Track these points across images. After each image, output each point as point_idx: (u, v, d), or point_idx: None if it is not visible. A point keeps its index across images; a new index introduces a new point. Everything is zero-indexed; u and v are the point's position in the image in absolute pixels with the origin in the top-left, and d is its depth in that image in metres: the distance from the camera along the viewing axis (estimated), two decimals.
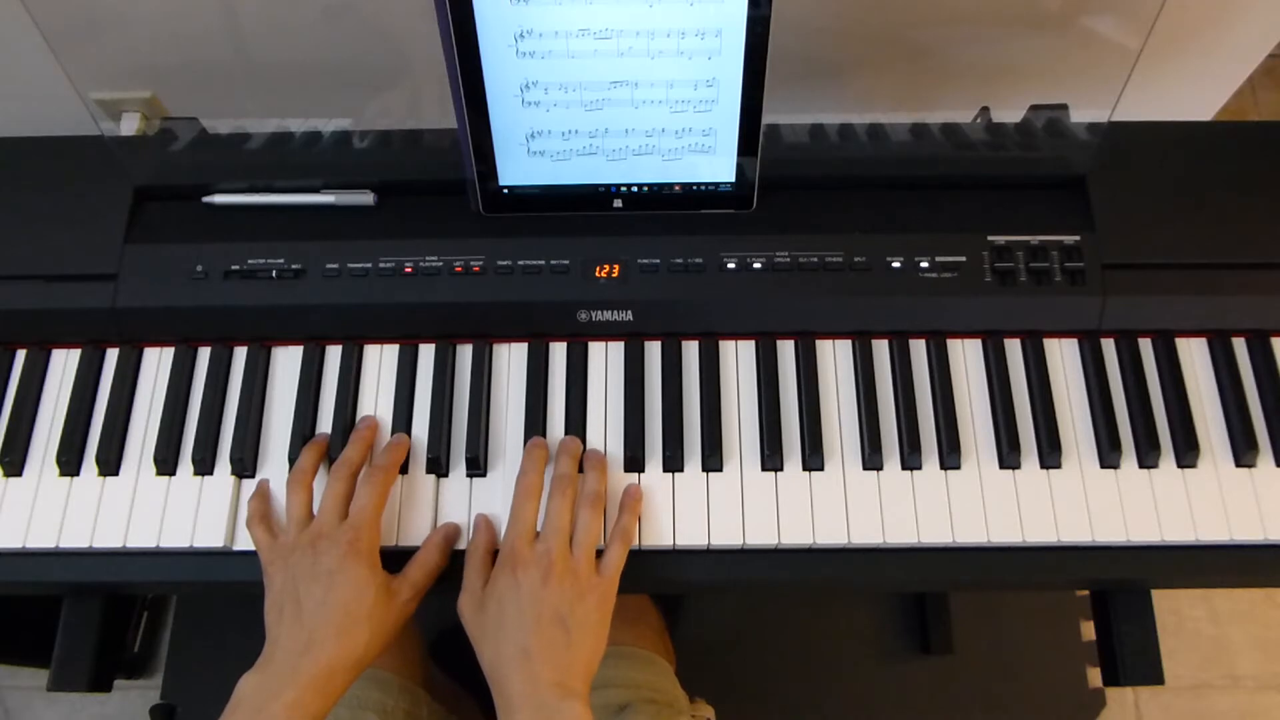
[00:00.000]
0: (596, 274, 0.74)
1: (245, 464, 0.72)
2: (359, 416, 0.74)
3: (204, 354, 0.76)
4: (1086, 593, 1.05)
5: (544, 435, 0.72)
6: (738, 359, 0.75)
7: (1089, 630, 1.29)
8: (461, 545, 0.70)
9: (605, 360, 0.75)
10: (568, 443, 0.71)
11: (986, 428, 0.73)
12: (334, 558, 0.64)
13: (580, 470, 0.70)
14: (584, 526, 0.66)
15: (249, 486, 0.72)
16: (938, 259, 0.74)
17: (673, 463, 0.71)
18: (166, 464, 0.72)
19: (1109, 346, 0.75)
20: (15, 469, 0.73)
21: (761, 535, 0.69)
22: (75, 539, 0.70)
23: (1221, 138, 0.80)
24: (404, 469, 0.72)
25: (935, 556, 0.69)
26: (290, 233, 0.75)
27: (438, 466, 0.72)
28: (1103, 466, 0.71)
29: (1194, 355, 0.75)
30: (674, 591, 0.95)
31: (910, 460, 0.71)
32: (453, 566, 0.69)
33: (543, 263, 0.74)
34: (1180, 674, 1.41)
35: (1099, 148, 0.75)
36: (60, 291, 0.75)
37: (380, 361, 0.75)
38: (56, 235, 0.76)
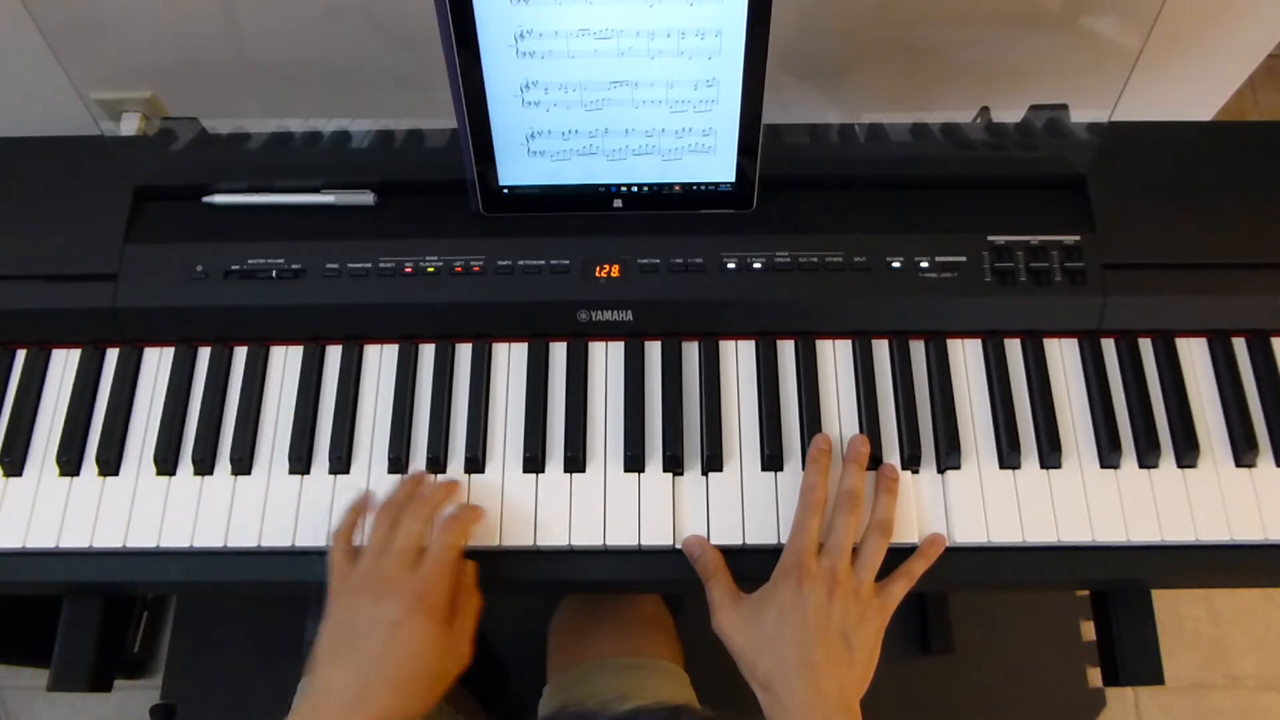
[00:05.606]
0: (596, 274, 0.74)
1: (245, 464, 0.72)
2: (360, 417, 0.73)
3: (204, 354, 0.76)
4: (1086, 593, 1.05)
5: (544, 437, 0.72)
6: (738, 359, 0.75)
7: (1089, 630, 1.29)
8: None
9: (605, 360, 0.75)
10: (858, 451, 0.70)
11: (986, 428, 0.73)
12: (399, 609, 0.61)
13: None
14: (871, 550, 0.66)
15: (248, 486, 0.72)
16: (938, 259, 0.74)
17: (673, 463, 0.71)
18: (166, 464, 0.72)
19: (1109, 346, 0.75)
20: (15, 469, 0.73)
21: (762, 534, 0.69)
22: (75, 539, 0.70)
23: (1221, 138, 0.80)
24: (404, 468, 0.72)
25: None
26: (290, 233, 0.75)
27: (437, 466, 0.72)
28: (1103, 466, 0.71)
29: (1194, 355, 0.75)
30: (675, 591, 0.95)
31: (910, 460, 0.71)
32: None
33: (543, 263, 0.74)
34: (1180, 674, 1.41)
35: (1099, 148, 0.75)
36: (60, 291, 0.75)
37: (380, 361, 0.75)
38: (56, 235, 0.76)
